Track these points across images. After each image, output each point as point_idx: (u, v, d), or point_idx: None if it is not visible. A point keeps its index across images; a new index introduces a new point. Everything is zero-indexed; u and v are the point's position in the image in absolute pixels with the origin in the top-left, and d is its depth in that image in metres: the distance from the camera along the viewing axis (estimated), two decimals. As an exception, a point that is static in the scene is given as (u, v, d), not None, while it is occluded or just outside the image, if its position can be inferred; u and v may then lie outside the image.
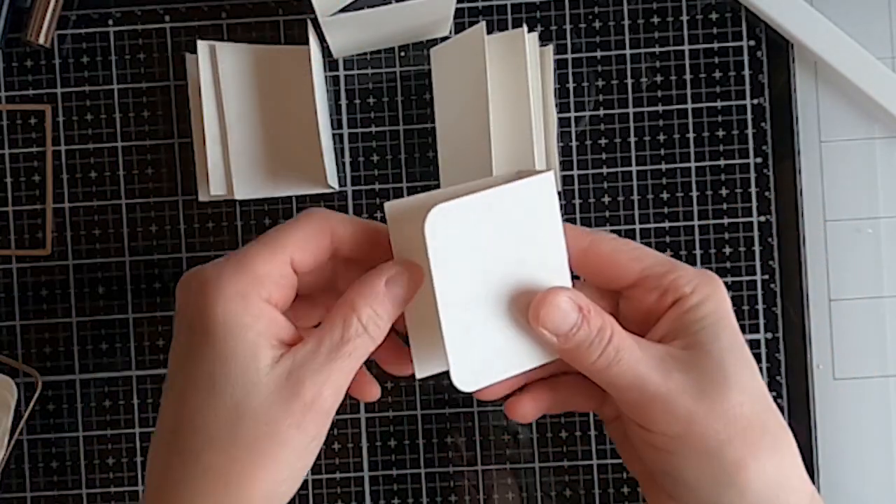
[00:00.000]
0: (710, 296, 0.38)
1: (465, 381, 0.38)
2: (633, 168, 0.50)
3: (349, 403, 0.51)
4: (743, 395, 0.37)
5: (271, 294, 0.37)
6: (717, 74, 0.50)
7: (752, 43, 0.50)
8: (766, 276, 0.50)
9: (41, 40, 0.50)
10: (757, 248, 0.50)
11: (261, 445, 0.35)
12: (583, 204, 0.50)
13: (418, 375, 0.40)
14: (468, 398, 0.50)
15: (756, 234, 0.50)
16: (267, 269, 0.37)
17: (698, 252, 0.50)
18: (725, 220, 0.50)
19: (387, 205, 0.39)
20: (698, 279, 0.38)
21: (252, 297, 0.36)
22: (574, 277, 0.39)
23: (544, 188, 0.39)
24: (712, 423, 0.36)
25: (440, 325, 0.37)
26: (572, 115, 0.51)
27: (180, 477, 0.36)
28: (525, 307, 0.39)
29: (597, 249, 0.39)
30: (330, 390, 0.36)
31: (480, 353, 0.38)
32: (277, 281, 0.37)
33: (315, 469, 0.51)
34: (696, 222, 0.50)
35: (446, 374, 0.38)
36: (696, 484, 0.37)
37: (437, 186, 0.50)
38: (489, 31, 0.48)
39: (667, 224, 0.50)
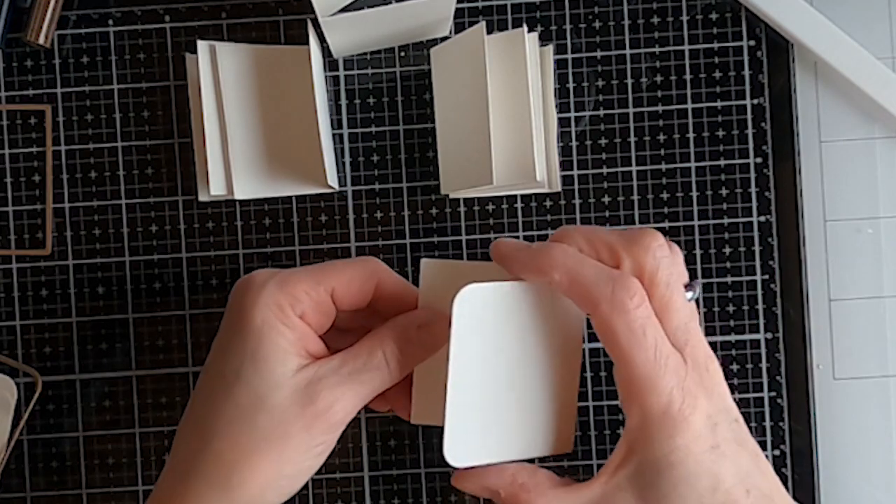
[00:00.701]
0: (662, 440, 0.37)
1: (456, 455, 0.39)
2: (633, 168, 0.50)
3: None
4: None
5: (306, 313, 0.40)
6: (717, 74, 0.50)
7: (752, 43, 0.50)
8: (766, 276, 0.50)
9: (41, 40, 0.50)
10: (757, 248, 0.50)
11: (270, 438, 0.38)
12: (583, 204, 0.50)
13: (413, 421, 0.42)
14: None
15: (756, 234, 0.50)
16: (306, 292, 0.40)
17: (698, 252, 0.50)
18: (725, 220, 0.50)
19: (423, 262, 0.42)
20: (662, 418, 0.37)
21: (288, 310, 0.39)
22: None
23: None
24: None
25: (445, 396, 0.39)
26: (572, 115, 0.51)
27: (193, 457, 0.39)
28: (531, 404, 0.41)
29: (599, 321, 0.38)
30: (341, 406, 0.39)
31: (477, 433, 0.40)
32: (314, 305, 0.40)
33: (321, 470, 0.50)
34: (696, 222, 0.50)
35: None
36: None
37: (437, 187, 0.50)
38: (489, 31, 0.48)
39: (667, 224, 0.50)
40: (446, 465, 0.50)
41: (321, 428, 0.39)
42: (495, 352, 0.40)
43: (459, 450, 0.39)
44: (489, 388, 0.40)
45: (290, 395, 0.38)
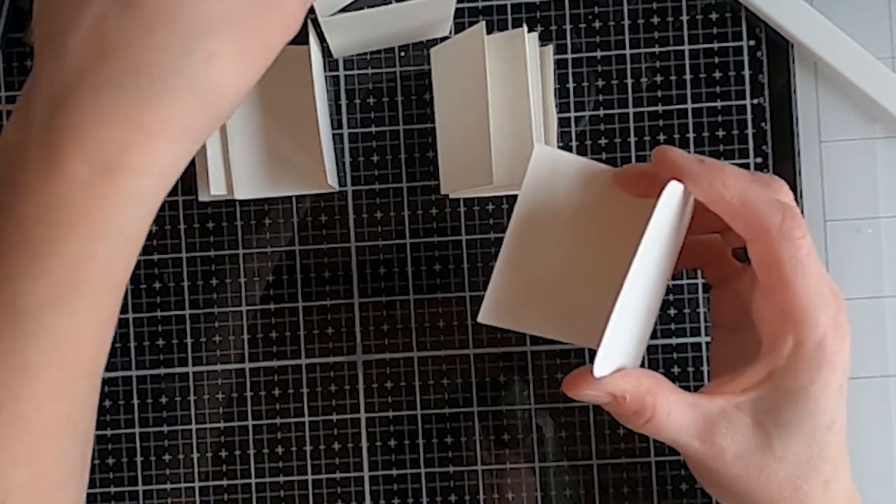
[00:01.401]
0: (807, 374, 0.37)
1: (604, 366, 0.37)
2: (633, 168, 0.50)
3: (349, 403, 0.51)
4: (781, 463, 0.38)
5: None
6: (717, 74, 0.50)
7: (752, 43, 0.50)
8: (766, 276, 0.50)
9: (41, 40, 0.50)
10: (757, 248, 0.50)
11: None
12: (583, 204, 0.50)
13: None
14: (468, 398, 0.50)
15: (756, 234, 0.50)
16: None
17: (698, 252, 0.50)
18: (725, 220, 0.50)
19: (537, 148, 0.41)
20: (816, 351, 0.37)
21: None
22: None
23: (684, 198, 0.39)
24: (743, 482, 0.38)
25: (616, 298, 0.36)
26: (572, 115, 0.51)
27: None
28: (644, 313, 0.40)
29: (765, 249, 0.38)
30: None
31: (620, 342, 0.38)
32: None
33: (315, 469, 0.51)
34: (696, 222, 0.50)
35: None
36: None
37: (437, 187, 0.50)
38: (489, 31, 0.48)
39: (667, 224, 0.50)
40: (446, 465, 0.51)
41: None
42: (652, 256, 0.38)
43: (608, 361, 0.37)
44: (637, 294, 0.38)
45: None
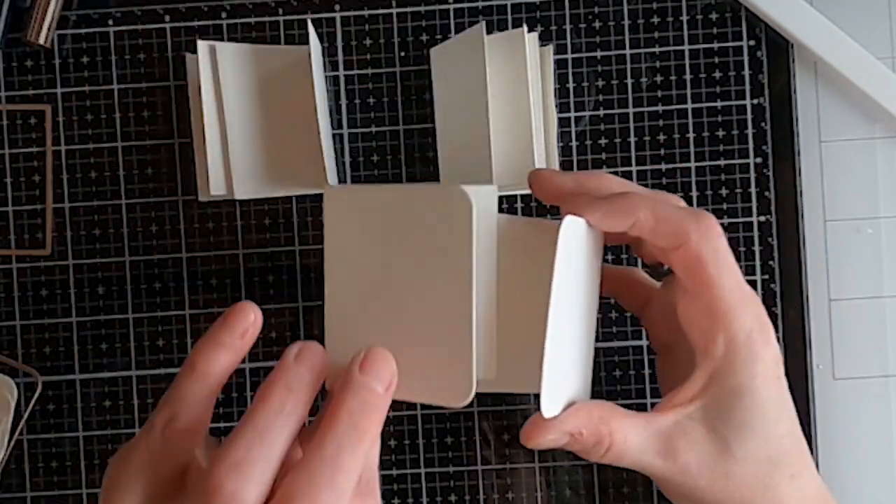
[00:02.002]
0: (744, 367, 0.38)
1: (551, 406, 0.37)
2: (633, 168, 0.50)
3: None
4: (744, 465, 0.38)
5: None
6: (717, 74, 0.50)
7: (752, 43, 0.50)
8: (766, 277, 0.50)
9: (41, 40, 0.50)
10: (757, 248, 0.50)
11: None
12: (583, 204, 0.50)
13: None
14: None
15: (756, 234, 0.50)
16: None
17: (698, 252, 0.50)
18: (725, 221, 0.50)
19: (327, 191, 0.37)
20: (747, 343, 0.38)
21: None
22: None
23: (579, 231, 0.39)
24: (711, 492, 0.38)
25: (543, 341, 0.35)
26: (572, 115, 0.51)
27: None
28: (581, 341, 0.39)
29: (684, 256, 0.38)
30: None
31: (561, 376, 0.38)
32: None
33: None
34: (696, 222, 0.50)
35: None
36: None
37: (437, 186, 0.50)
38: (489, 31, 0.48)
39: (667, 224, 0.50)
40: (446, 465, 0.51)
41: None
42: (571, 289, 0.38)
43: (554, 399, 0.37)
44: (565, 329, 0.37)
45: None
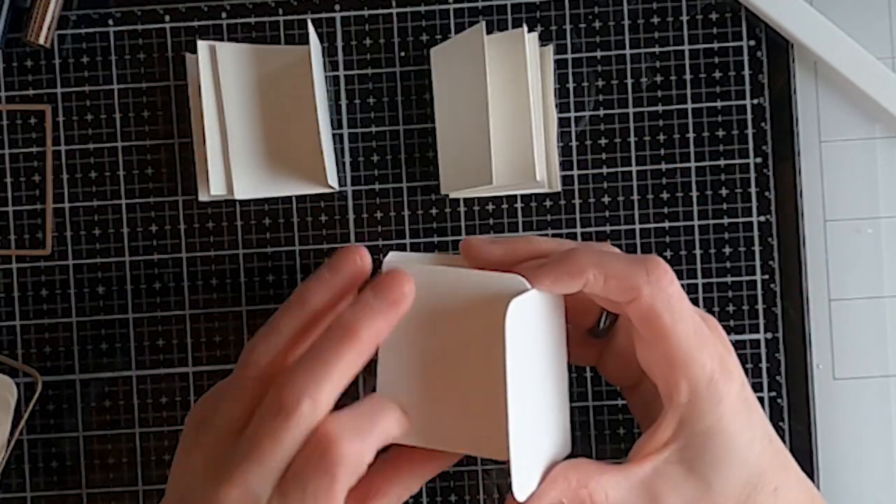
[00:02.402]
0: (711, 409, 0.38)
1: (524, 489, 0.37)
2: (633, 168, 0.50)
3: (349, 402, 0.51)
4: (726, 495, 0.39)
5: None
6: (717, 74, 0.50)
7: (752, 43, 0.50)
8: (766, 276, 0.50)
9: (41, 40, 0.50)
10: (757, 248, 0.50)
11: None
12: (583, 204, 0.50)
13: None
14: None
15: (756, 234, 0.50)
16: None
17: (698, 252, 0.50)
18: (725, 220, 0.50)
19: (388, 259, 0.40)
20: (710, 386, 0.38)
21: None
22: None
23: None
24: None
25: (507, 423, 0.36)
26: (572, 115, 0.51)
27: None
28: (551, 409, 0.40)
29: (638, 309, 0.39)
30: None
31: (532, 454, 0.38)
32: None
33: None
34: (696, 222, 0.50)
35: None
36: None
37: (437, 187, 0.50)
38: (489, 31, 0.48)
39: (667, 224, 0.50)
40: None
41: None
42: (531, 364, 0.38)
43: (524, 480, 0.37)
44: (530, 399, 0.38)
45: None
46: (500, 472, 0.51)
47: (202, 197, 0.50)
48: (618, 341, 0.43)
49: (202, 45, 0.49)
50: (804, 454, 0.50)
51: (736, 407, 0.39)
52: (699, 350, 0.38)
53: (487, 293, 0.38)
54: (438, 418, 0.38)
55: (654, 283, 0.38)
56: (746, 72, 0.50)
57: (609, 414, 0.50)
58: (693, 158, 0.50)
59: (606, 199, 0.50)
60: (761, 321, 0.50)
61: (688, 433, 0.39)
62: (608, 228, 0.50)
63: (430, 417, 0.38)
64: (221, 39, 0.50)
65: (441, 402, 0.38)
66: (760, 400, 0.50)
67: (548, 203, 0.50)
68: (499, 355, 0.36)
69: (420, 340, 0.39)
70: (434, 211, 0.51)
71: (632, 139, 0.50)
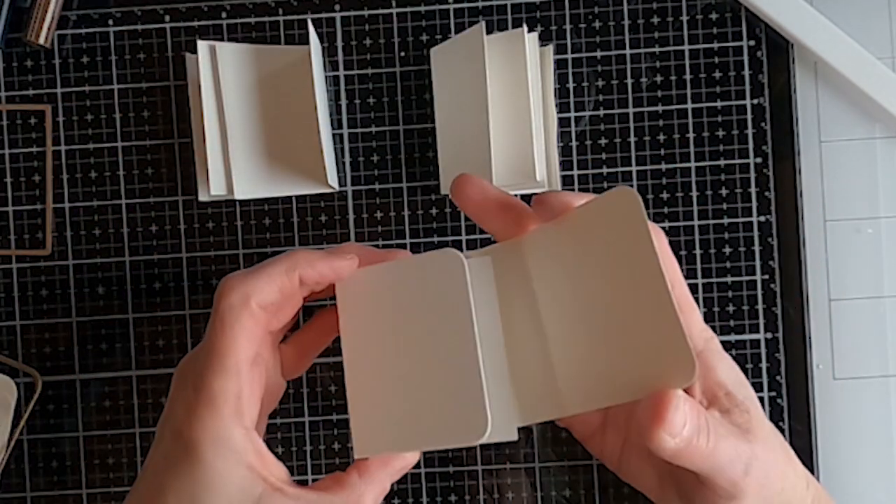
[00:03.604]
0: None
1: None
2: (633, 168, 0.50)
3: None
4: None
5: (247, 412, 0.38)
6: (717, 74, 0.50)
7: (752, 43, 0.50)
8: (766, 276, 0.50)
9: (41, 40, 0.50)
10: (757, 248, 0.50)
11: None
12: (583, 204, 0.50)
13: (359, 455, 0.39)
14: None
15: (756, 234, 0.50)
16: (237, 392, 0.37)
17: (698, 252, 0.50)
18: (725, 220, 0.50)
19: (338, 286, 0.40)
20: (744, 470, 0.38)
21: (239, 437, 0.37)
22: None
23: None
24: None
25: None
26: (572, 115, 0.51)
27: None
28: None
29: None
30: None
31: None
32: (248, 392, 0.38)
33: (315, 469, 0.51)
34: (696, 222, 0.50)
35: None
36: None
37: (437, 187, 0.50)
38: (489, 31, 0.48)
39: (667, 224, 0.50)
40: (446, 465, 0.51)
41: None
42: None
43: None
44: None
45: None
46: (500, 472, 0.51)
47: (202, 197, 0.51)
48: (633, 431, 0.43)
49: (202, 45, 0.49)
50: (804, 454, 0.50)
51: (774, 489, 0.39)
52: (743, 476, 0.38)
53: (427, 272, 0.39)
54: (415, 418, 0.38)
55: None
56: (746, 72, 0.50)
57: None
58: (693, 158, 0.50)
59: (606, 199, 0.50)
60: (761, 321, 0.50)
61: None
62: (608, 228, 0.50)
63: (407, 419, 0.38)
64: (221, 39, 0.51)
65: (413, 400, 0.38)
66: (760, 400, 0.50)
67: (548, 203, 0.50)
68: (468, 325, 0.36)
69: (380, 344, 0.39)
70: (434, 211, 0.51)
71: (632, 139, 0.50)
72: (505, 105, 0.48)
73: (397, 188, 0.51)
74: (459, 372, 0.37)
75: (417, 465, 0.50)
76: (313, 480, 0.50)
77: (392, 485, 0.50)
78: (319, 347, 0.44)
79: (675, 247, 0.50)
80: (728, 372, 0.40)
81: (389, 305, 0.39)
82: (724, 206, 0.50)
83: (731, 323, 0.50)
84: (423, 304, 0.38)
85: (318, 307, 0.48)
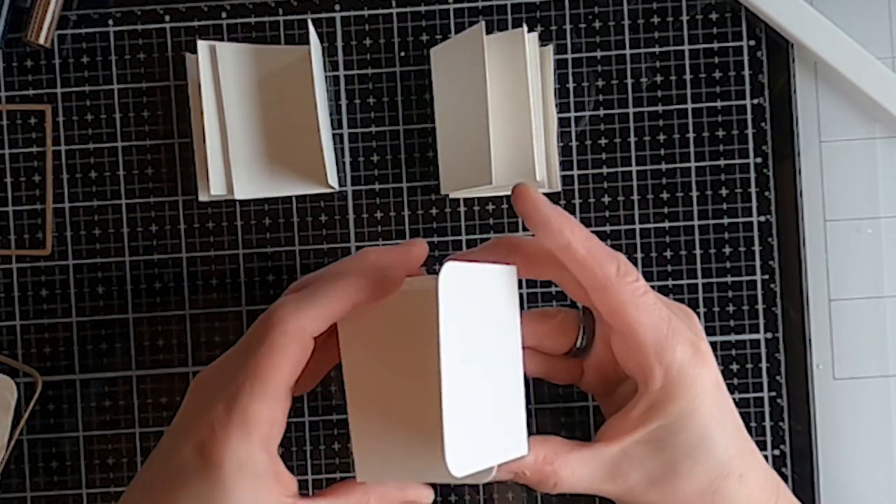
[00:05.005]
0: (684, 392, 0.40)
1: (458, 464, 0.36)
2: (633, 168, 0.50)
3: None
4: (692, 478, 0.40)
5: (276, 439, 0.38)
6: (717, 74, 0.50)
7: (752, 43, 0.50)
8: (766, 276, 0.50)
9: (41, 40, 0.50)
10: (757, 248, 0.50)
11: None
12: (583, 204, 0.50)
13: (360, 479, 0.39)
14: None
15: (756, 234, 0.50)
16: (273, 425, 0.38)
17: (698, 252, 0.50)
18: (725, 220, 0.50)
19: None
20: (682, 370, 0.40)
21: (260, 460, 0.37)
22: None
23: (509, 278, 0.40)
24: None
25: (440, 396, 0.35)
26: (572, 115, 0.51)
27: None
28: (507, 397, 0.39)
29: (606, 297, 0.40)
30: None
31: (475, 434, 0.37)
32: (280, 419, 0.38)
33: (315, 469, 0.51)
34: (696, 222, 0.50)
35: None
36: None
37: (437, 187, 0.50)
38: (489, 31, 0.48)
39: (667, 224, 0.50)
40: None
41: None
42: (476, 341, 0.38)
43: (461, 454, 0.36)
44: (475, 383, 0.37)
45: None
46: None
47: (202, 197, 0.50)
48: (594, 355, 0.44)
49: (202, 45, 0.49)
50: (804, 454, 0.50)
51: (709, 394, 0.40)
52: (670, 337, 0.39)
53: (420, 296, 0.38)
54: (416, 450, 0.38)
55: (623, 275, 0.39)
56: (746, 72, 0.50)
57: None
58: (693, 158, 0.50)
59: (606, 199, 0.50)
60: (761, 321, 0.50)
61: (659, 416, 0.40)
62: (608, 228, 0.50)
63: (409, 450, 0.38)
64: (221, 39, 0.50)
65: (416, 431, 0.38)
66: (760, 400, 0.50)
67: (548, 203, 0.50)
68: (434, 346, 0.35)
69: (380, 379, 0.39)
70: (434, 211, 0.51)
71: (632, 139, 0.50)
72: (505, 105, 0.48)
73: (397, 188, 0.51)
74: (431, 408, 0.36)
75: (417, 465, 0.50)
76: (313, 480, 0.51)
77: (392, 485, 0.50)
78: (325, 369, 0.44)
79: (675, 247, 0.50)
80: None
81: (391, 334, 0.39)
82: (724, 206, 0.50)
83: (731, 323, 0.50)
84: (420, 336, 0.38)
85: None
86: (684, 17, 0.50)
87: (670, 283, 0.50)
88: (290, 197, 0.51)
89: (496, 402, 0.39)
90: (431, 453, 0.37)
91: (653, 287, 0.44)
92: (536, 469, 0.40)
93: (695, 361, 0.40)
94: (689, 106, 0.50)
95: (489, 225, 0.50)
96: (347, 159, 0.51)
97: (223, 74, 0.49)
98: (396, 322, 0.39)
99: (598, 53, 0.50)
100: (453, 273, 0.36)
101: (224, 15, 0.51)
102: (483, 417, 0.38)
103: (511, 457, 0.40)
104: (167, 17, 0.51)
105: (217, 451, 0.37)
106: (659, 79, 0.50)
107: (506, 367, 0.40)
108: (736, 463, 0.41)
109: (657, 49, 0.50)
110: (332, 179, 0.49)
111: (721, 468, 0.40)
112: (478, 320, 0.38)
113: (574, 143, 0.50)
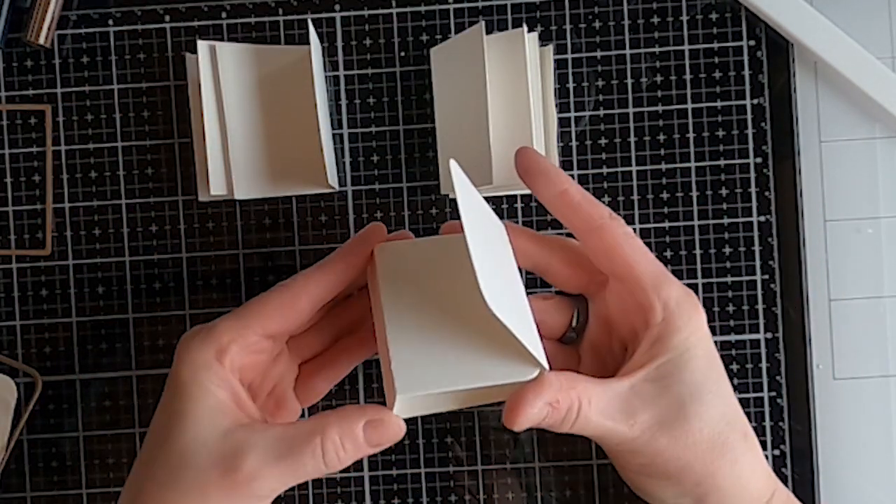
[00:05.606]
0: (684, 325, 0.41)
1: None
2: (633, 168, 0.50)
3: (349, 402, 0.51)
4: (702, 422, 0.40)
5: (235, 361, 0.41)
6: (717, 74, 0.50)
7: (752, 43, 0.50)
8: (766, 276, 0.50)
9: (41, 40, 0.50)
10: (757, 248, 0.50)
11: (191, 496, 0.38)
12: (583, 204, 0.50)
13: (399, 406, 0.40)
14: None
15: (756, 234, 0.50)
16: (231, 341, 0.41)
17: (698, 252, 0.50)
18: (725, 220, 0.50)
19: (377, 248, 0.43)
20: (679, 305, 0.41)
21: (215, 367, 0.40)
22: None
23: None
24: (673, 453, 0.40)
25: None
26: (572, 115, 0.51)
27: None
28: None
29: (603, 237, 0.41)
30: (265, 483, 0.38)
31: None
32: (244, 351, 0.41)
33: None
34: (696, 222, 0.50)
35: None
36: (662, 498, 0.42)
37: (437, 187, 0.50)
38: (489, 31, 0.48)
39: (667, 224, 0.50)
40: (446, 465, 0.51)
41: (241, 496, 0.38)
42: (492, 254, 0.40)
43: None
44: (504, 293, 0.39)
45: (214, 457, 0.38)
46: (500, 472, 0.51)
47: (202, 197, 0.51)
48: (588, 338, 0.45)
49: (202, 45, 0.49)
50: (804, 454, 0.50)
51: (705, 335, 0.41)
52: (663, 277, 0.41)
53: (453, 247, 0.42)
54: (454, 361, 0.39)
55: (614, 219, 0.41)
56: (746, 72, 0.50)
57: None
58: (693, 158, 0.50)
59: (606, 199, 0.50)
60: (761, 321, 0.50)
61: (663, 350, 0.40)
62: (608, 228, 0.50)
63: (445, 362, 0.39)
64: (221, 39, 0.51)
65: (449, 345, 0.40)
66: (760, 400, 0.50)
67: (548, 203, 0.50)
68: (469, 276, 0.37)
69: (416, 304, 0.41)
70: (434, 211, 0.51)
71: (632, 139, 0.50)
72: (505, 105, 0.48)
73: (397, 188, 0.51)
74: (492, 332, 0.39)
75: (417, 465, 0.50)
76: (313, 481, 0.51)
77: (392, 484, 0.51)
78: (337, 372, 0.47)
79: (675, 247, 0.50)
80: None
81: (425, 263, 0.42)
82: (724, 206, 0.50)
83: (731, 323, 0.50)
84: (451, 277, 0.41)
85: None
86: (684, 17, 0.50)
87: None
88: (290, 197, 0.51)
89: (521, 316, 0.40)
90: (475, 360, 0.39)
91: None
92: (565, 396, 0.39)
93: (690, 301, 0.41)
94: (689, 106, 0.50)
95: (489, 225, 0.50)
96: (347, 159, 0.51)
97: (223, 74, 0.49)
98: (430, 252, 0.42)
99: (598, 53, 0.50)
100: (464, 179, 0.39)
101: (224, 15, 0.51)
102: (520, 324, 0.39)
103: (537, 370, 0.40)
104: (167, 17, 0.51)
105: (178, 357, 0.41)
106: (659, 79, 0.50)
107: (516, 288, 0.42)
108: (740, 419, 0.41)
109: (657, 49, 0.50)
110: (332, 179, 0.49)
111: (728, 416, 0.41)
112: (489, 238, 0.40)
113: (574, 143, 0.50)
